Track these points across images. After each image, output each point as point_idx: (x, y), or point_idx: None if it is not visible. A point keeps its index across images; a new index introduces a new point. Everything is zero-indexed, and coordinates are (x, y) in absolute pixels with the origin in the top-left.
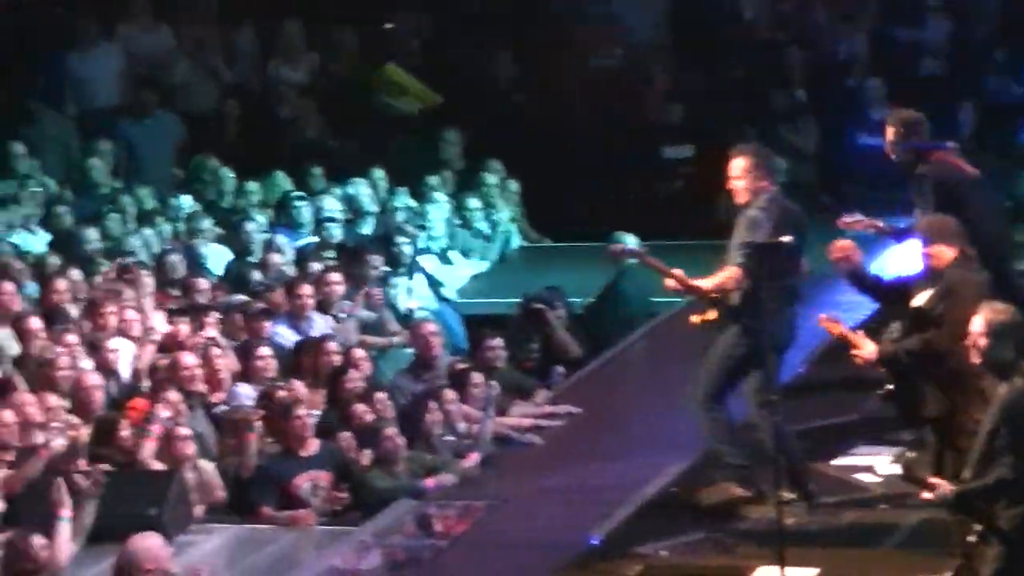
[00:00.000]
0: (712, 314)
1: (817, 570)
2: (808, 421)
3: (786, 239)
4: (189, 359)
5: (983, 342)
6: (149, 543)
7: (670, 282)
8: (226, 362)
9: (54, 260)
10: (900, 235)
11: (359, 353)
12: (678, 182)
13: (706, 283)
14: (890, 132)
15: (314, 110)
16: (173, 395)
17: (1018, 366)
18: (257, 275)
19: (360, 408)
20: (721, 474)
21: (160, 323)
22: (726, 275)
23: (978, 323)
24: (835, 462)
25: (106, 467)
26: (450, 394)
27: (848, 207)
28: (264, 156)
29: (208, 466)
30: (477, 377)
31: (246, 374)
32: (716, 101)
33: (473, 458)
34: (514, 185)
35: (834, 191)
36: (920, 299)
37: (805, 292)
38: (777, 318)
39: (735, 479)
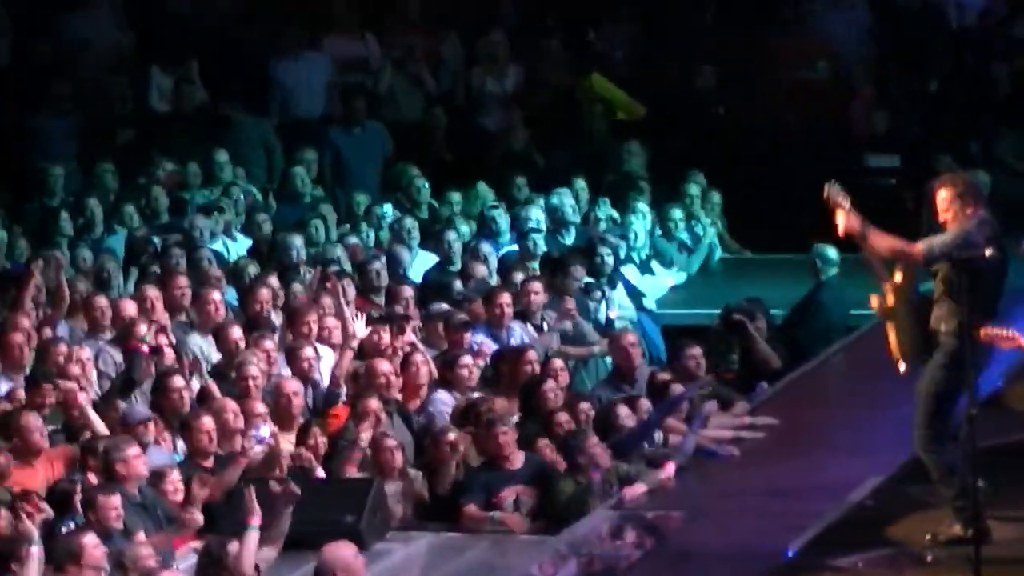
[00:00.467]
0: (890, 298)
1: None
2: (1007, 435)
3: (989, 252)
4: (385, 366)
5: None
6: (342, 553)
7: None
8: (426, 370)
9: (254, 267)
10: None
11: (558, 364)
12: (883, 193)
13: (887, 240)
14: None
15: (520, 120)
16: (373, 403)
17: None
18: (458, 284)
19: (562, 418)
20: (921, 490)
21: (361, 330)
22: (910, 245)
23: None
24: None
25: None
26: (645, 403)
27: None
28: (469, 165)
29: (417, 475)
30: (677, 388)
31: (448, 382)
32: (921, 112)
33: (669, 468)
34: (716, 196)
35: None
36: None
37: (1005, 308)
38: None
39: (958, 519)
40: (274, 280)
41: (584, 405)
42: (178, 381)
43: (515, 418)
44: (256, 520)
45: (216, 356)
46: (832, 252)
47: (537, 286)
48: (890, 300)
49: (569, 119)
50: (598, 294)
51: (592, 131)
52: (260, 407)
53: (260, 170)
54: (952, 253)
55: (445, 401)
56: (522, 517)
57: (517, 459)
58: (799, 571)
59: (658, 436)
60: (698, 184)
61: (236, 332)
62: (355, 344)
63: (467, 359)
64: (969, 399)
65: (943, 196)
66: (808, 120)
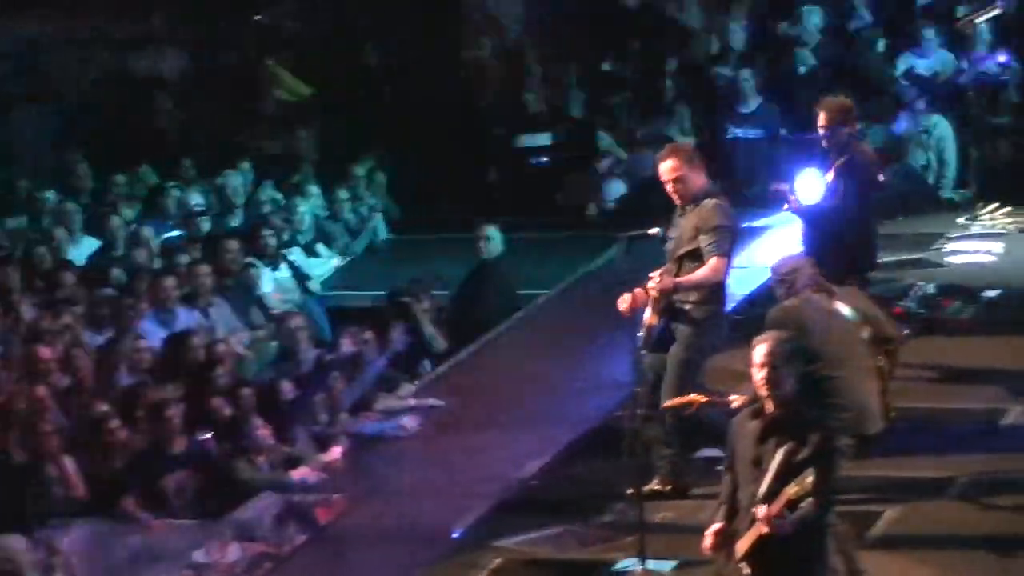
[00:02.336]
0: (655, 318)
1: (676, 562)
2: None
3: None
4: (46, 352)
5: None
6: (7, 544)
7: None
8: (87, 358)
9: None
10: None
11: (222, 348)
12: (541, 171)
13: (695, 276)
14: (822, 118)
15: (185, 103)
16: (40, 389)
17: None
18: (119, 269)
19: (219, 402)
20: (586, 468)
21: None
22: (712, 266)
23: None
24: (698, 454)
25: None
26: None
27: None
28: (136, 148)
29: (70, 462)
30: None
31: (117, 367)
32: (589, 91)
33: (336, 451)
34: (381, 177)
35: None
36: None
37: None
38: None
39: (663, 474)
40: None
41: (246, 391)
42: None
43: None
44: None
45: None
46: (497, 231)
47: (204, 269)
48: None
49: (238, 101)
50: (262, 275)
51: (262, 113)
52: None
53: None
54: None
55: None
56: (184, 503)
57: (181, 443)
58: (466, 551)
59: (324, 419)
60: (364, 165)
61: None
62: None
63: (140, 343)
64: (636, 376)
65: (670, 166)
66: (475, 100)
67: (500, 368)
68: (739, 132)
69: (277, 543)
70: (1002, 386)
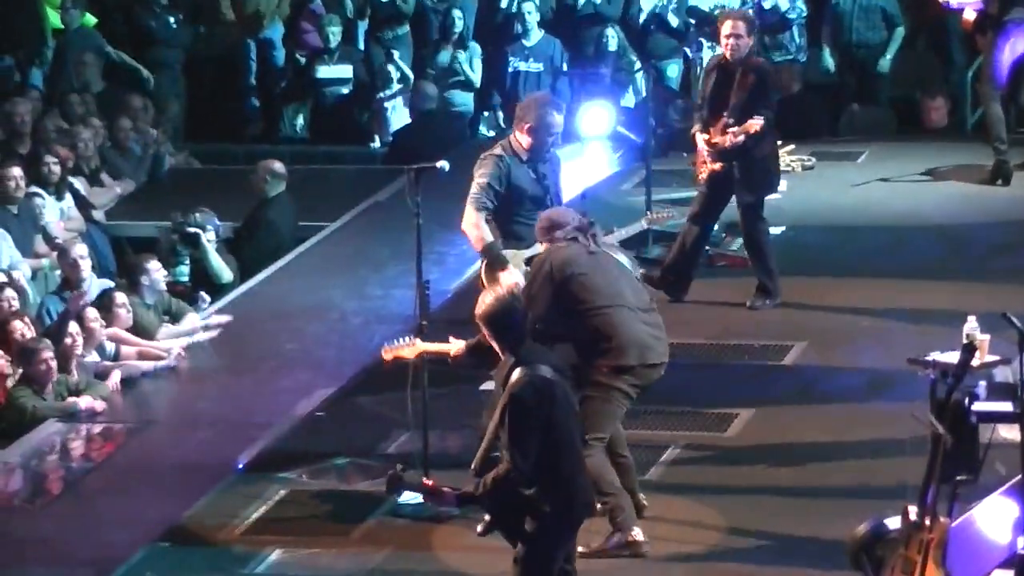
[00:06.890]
0: None
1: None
2: None
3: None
4: None
5: None
6: None
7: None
8: None
9: None
10: None
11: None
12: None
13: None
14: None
15: None
16: None
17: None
18: None
19: (15, 326)
20: (370, 401)
21: None
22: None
23: None
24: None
25: None
26: (92, 314)
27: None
28: None
29: None
30: (121, 298)
31: None
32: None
33: (114, 376)
34: (167, 106)
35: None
36: None
37: None
38: None
39: None
40: None
41: (26, 319)
42: None
43: None
44: None
45: None
46: (279, 167)
47: None
48: None
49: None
50: (40, 201)
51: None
52: None
53: None
54: None
55: None
56: None
57: None
58: (249, 482)
59: (110, 348)
60: (143, 95)
61: None
62: None
63: None
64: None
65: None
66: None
67: (285, 299)
68: (521, 66)
69: (62, 471)
70: (784, 322)
